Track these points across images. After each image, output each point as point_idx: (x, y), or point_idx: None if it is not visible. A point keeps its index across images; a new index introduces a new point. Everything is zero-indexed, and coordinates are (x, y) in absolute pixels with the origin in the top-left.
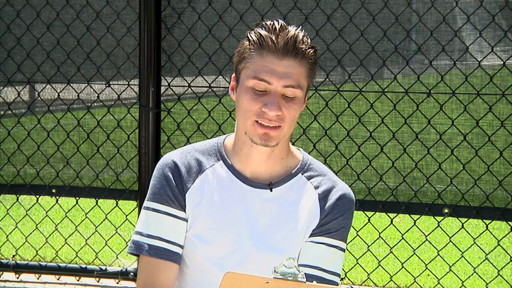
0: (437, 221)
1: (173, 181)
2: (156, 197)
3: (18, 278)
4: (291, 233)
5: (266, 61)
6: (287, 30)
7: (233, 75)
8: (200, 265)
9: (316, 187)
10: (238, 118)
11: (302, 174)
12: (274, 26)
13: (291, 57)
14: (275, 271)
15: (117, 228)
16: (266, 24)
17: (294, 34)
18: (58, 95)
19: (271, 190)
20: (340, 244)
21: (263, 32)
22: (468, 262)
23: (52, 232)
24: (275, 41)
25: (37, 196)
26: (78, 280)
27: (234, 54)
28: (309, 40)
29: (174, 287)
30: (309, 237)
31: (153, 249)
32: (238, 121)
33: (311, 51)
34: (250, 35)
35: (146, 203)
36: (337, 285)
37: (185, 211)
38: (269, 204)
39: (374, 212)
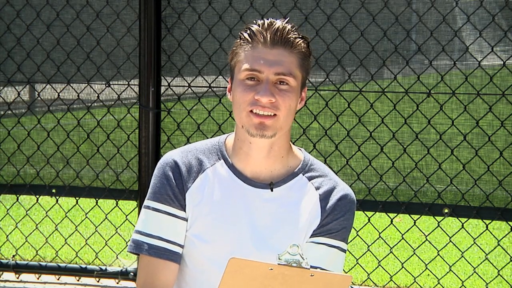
0: (437, 221)
1: (174, 181)
2: (156, 196)
3: (18, 278)
4: (291, 233)
5: (256, 52)
6: (275, 23)
7: (230, 77)
8: (200, 264)
9: (317, 188)
10: (234, 113)
11: (303, 175)
12: (263, 22)
13: (280, 46)
14: (279, 258)
15: (117, 228)
16: (256, 21)
17: (281, 25)
18: (58, 95)
19: (271, 190)
20: (341, 245)
21: (253, 27)
22: (468, 262)
23: (52, 232)
24: (264, 34)
25: (37, 196)
26: (78, 280)
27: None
28: (297, 33)
29: (174, 286)
30: (310, 237)
31: (153, 248)
32: (235, 117)
33: (301, 41)
34: (241, 32)
35: (146, 202)
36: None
37: (185, 210)
38: (270, 204)
39: (374, 212)
